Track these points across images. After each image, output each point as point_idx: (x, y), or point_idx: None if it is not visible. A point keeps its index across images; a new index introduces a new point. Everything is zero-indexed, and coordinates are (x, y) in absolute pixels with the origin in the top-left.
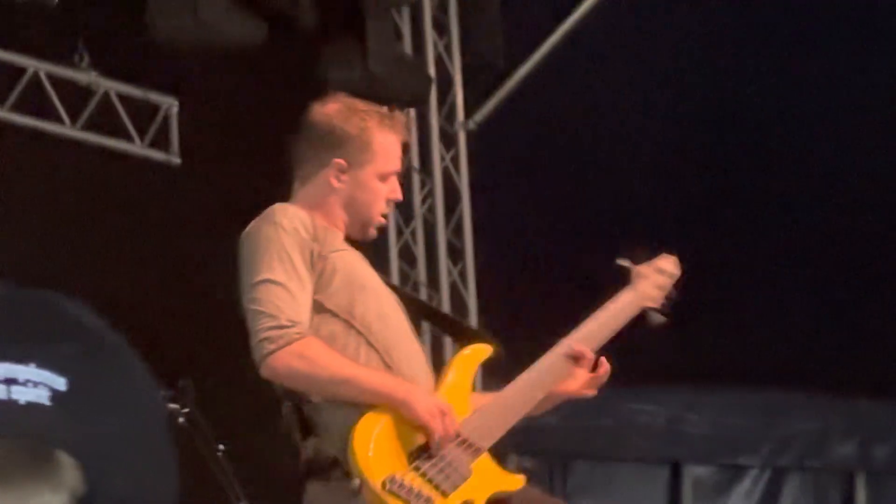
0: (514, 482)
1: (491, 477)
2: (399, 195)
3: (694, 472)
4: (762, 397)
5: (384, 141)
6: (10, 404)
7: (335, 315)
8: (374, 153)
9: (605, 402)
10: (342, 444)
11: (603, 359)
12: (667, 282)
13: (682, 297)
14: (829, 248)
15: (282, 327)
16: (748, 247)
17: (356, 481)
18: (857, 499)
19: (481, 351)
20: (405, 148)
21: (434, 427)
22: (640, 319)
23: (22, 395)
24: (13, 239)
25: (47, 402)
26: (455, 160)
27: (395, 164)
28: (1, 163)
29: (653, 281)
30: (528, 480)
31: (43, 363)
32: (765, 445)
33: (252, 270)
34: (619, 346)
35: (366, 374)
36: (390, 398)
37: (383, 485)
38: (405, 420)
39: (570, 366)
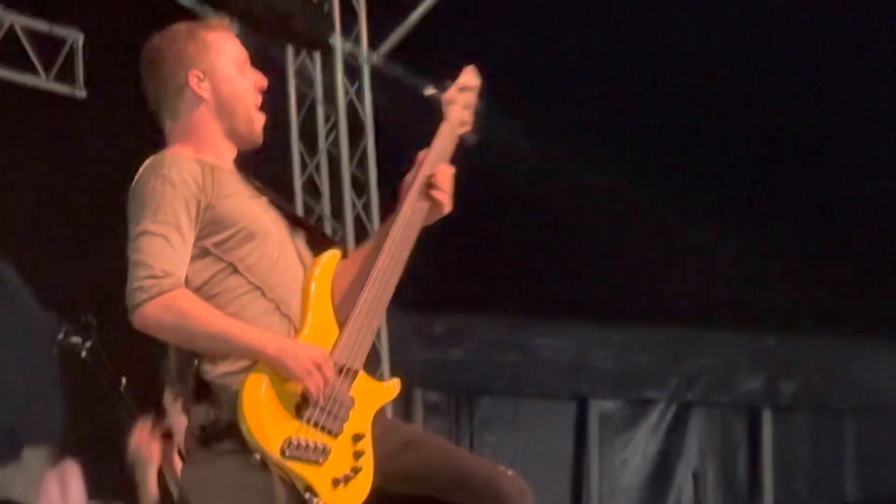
0: (390, 391)
1: (370, 395)
2: (264, 80)
3: (600, 407)
4: (669, 333)
5: (215, 37)
6: None
7: (223, 261)
8: (216, 48)
9: (512, 338)
10: (237, 412)
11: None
12: (471, 97)
13: (593, 239)
14: (736, 188)
15: (154, 277)
16: (656, 190)
17: (256, 456)
18: (762, 434)
19: (331, 260)
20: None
21: (310, 385)
22: (459, 143)
23: None
24: None
25: None
26: (359, 93)
27: (240, 50)
28: None
29: (460, 102)
30: (434, 415)
31: None
32: (671, 381)
33: (136, 221)
34: (528, 282)
35: (237, 330)
36: (263, 355)
37: (282, 452)
38: (284, 374)
39: (427, 203)
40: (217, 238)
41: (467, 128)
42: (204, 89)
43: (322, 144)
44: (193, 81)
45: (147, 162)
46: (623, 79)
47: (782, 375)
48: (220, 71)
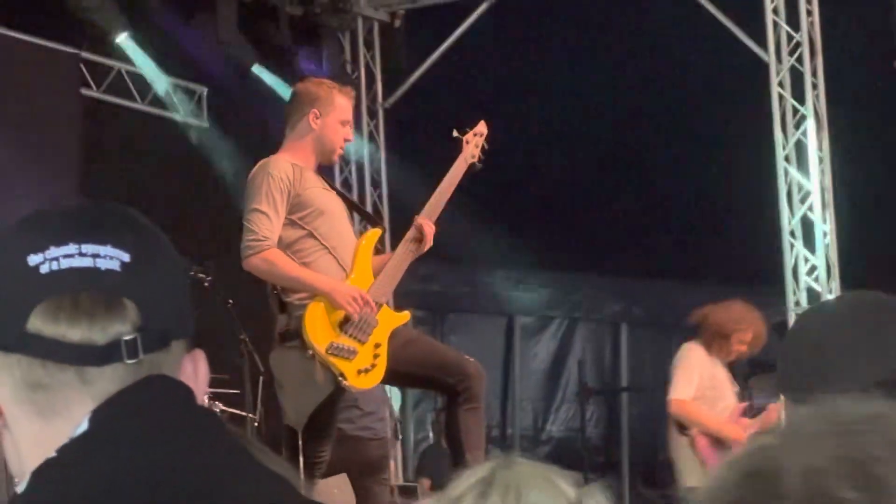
0: (403, 317)
1: (388, 319)
2: (351, 137)
3: (521, 321)
4: (564, 275)
5: (341, 100)
6: (95, 270)
7: (305, 230)
8: (335, 106)
9: (466, 276)
10: (300, 324)
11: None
12: (480, 140)
13: (535, 202)
14: (608, 161)
15: (258, 240)
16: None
17: (309, 351)
18: (621, 339)
19: (374, 234)
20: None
21: (350, 310)
22: (470, 170)
23: (102, 264)
24: None
25: (118, 269)
26: (376, 126)
27: (348, 114)
28: None
29: (473, 143)
30: (420, 324)
31: (115, 244)
32: (565, 305)
33: (251, 201)
34: (480, 239)
35: (307, 275)
36: (322, 291)
37: (326, 350)
38: (333, 304)
39: (419, 242)
40: (300, 214)
41: (475, 160)
42: (316, 123)
43: (353, 157)
44: (312, 116)
45: (261, 162)
46: None
47: (634, 303)
48: (329, 119)
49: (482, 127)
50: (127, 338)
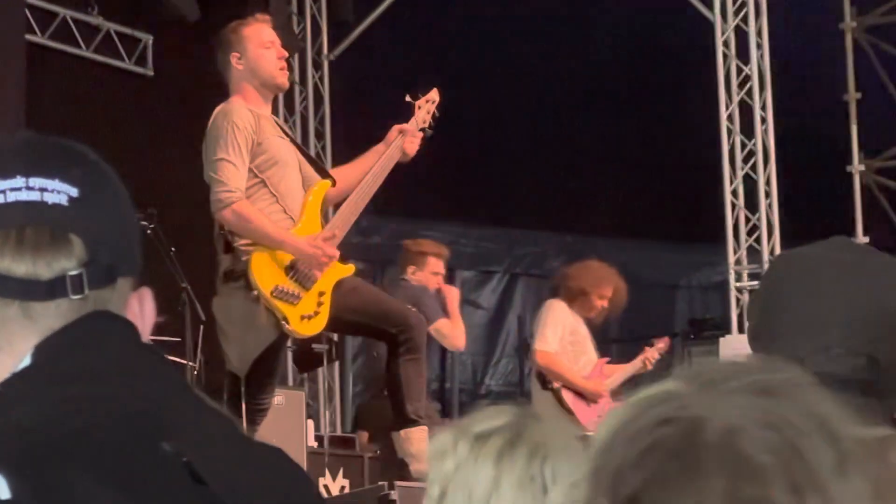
0: (348, 269)
1: (333, 269)
2: (284, 53)
3: (463, 275)
4: (506, 231)
5: (249, 30)
6: (42, 204)
7: (258, 178)
8: (246, 38)
9: (408, 229)
10: (247, 266)
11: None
12: (432, 107)
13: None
14: (553, 117)
15: (230, 192)
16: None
17: (254, 292)
18: None
19: (323, 186)
20: (276, 32)
21: (313, 263)
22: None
23: (49, 198)
24: None
25: (66, 203)
26: (321, 78)
27: (264, 36)
28: None
29: (425, 109)
30: (361, 277)
31: (63, 179)
32: (506, 260)
33: (214, 149)
34: (418, 194)
35: (277, 232)
36: (289, 250)
37: (271, 293)
38: (283, 253)
39: (397, 152)
40: (256, 162)
41: (426, 125)
42: (241, 64)
43: (297, 108)
44: (234, 61)
45: (219, 109)
46: None
47: (574, 259)
48: (250, 52)
49: (434, 94)
50: (72, 273)
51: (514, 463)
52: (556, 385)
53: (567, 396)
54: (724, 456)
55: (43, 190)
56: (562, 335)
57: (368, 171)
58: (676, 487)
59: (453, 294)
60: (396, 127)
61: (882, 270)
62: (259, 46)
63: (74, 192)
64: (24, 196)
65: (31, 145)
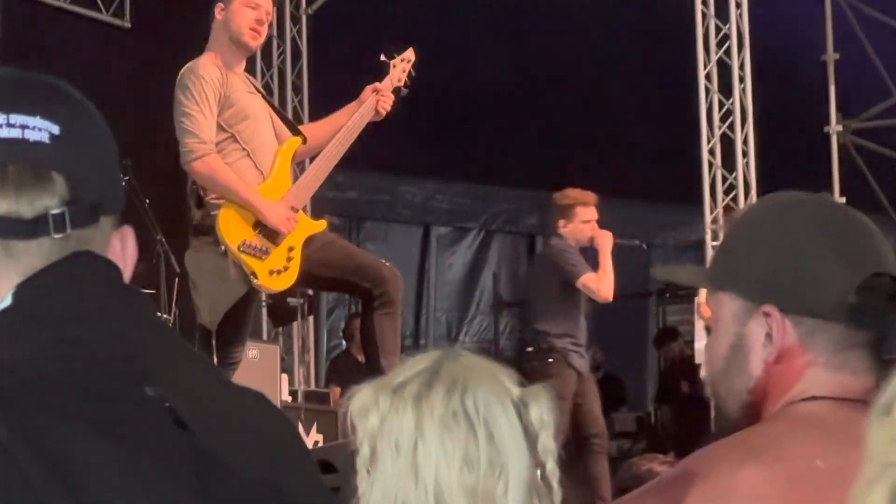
0: (320, 225)
1: (304, 224)
2: (263, 17)
3: (438, 231)
4: (481, 187)
5: None
6: (23, 142)
7: (228, 132)
8: None
9: (384, 185)
10: (215, 220)
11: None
12: (408, 66)
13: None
14: (531, 74)
15: (201, 143)
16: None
17: (222, 246)
18: (536, 252)
19: (294, 143)
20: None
21: (283, 229)
22: (395, 94)
23: (31, 135)
24: None
25: (48, 141)
26: (299, 32)
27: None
28: None
29: (400, 68)
30: (336, 231)
31: (45, 116)
32: (482, 216)
33: (184, 103)
34: (395, 149)
35: (244, 189)
36: (255, 208)
37: (238, 247)
38: (265, 222)
39: (370, 111)
40: (225, 116)
41: (400, 83)
42: (221, 15)
43: (275, 62)
44: (217, 11)
45: (187, 65)
46: None
47: (550, 216)
48: (234, 5)
49: (410, 54)
50: (55, 212)
51: (433, 403)
52: None
53: None
54: None
55: (24, 127)
56: None
57: (340, 129)
58: None
59: (605, 241)
60: (370, 87)
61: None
62: (243, 4)
63: (56, 129)
64: (5, 133)
65: (12, 82)
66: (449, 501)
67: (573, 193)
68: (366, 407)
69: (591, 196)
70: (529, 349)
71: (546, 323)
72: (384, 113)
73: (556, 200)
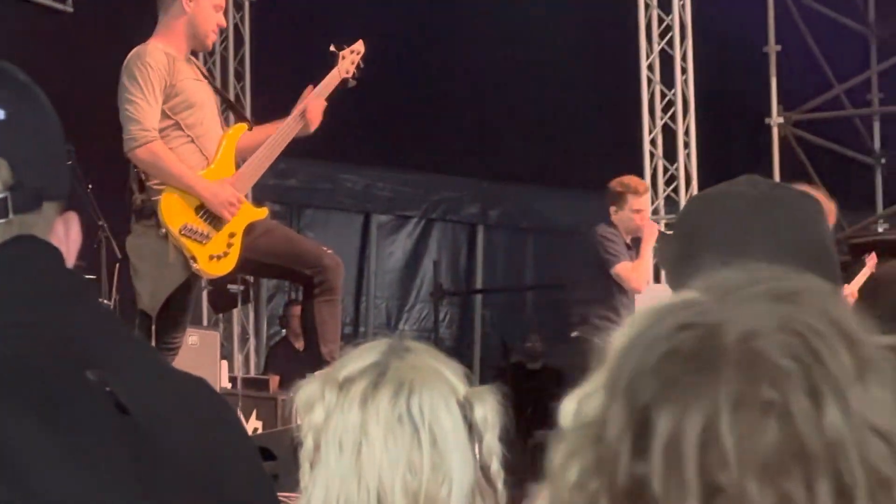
0: (261, 213)
1: (246, 211)
2: (224, 23)
3: (378, 219)
4: (423, 175)
5: None
6: None
7: (172, 120)
8: None
9: (325, 172)
10: (157, 204)
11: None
12: (357, 58)
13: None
14: (472, 63)
15: (145, 130)
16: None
17: (163, 230)
18: (477, 241)
19: (239, 129)
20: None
21: (226, 215)
22: (342, 85)
23: None
24: None
25: None
26: (242, 19)
27: (223, 2)
28: None
29: (349, 59)
30: (277, 219)
31: None
32: (423, 205)
33: (129, 90)
34: (336, 137)
35: (188, 175)
36: (199, 194)
37: (179, 231)
38: (210, 208)
39: (301, 122)
40: (170, 104)
41: (349, 75)
42: (189, 7)
43: (218, 49)
44: (186, 1)
45: (134, 50)
46: None
47: (490, 206)
48: (204, 2)
49: (360, 45)
50: None
51: (379, 406)
52: None
53: None
54: (742, 359)
55: None
56: None
57: (266, 141)
58: (692, 392)
59: (650, 232)
60: (308, 90)
61: (797, 201)
62: (213, 6)
63: (1, 113)
64: None
65: None
66: (391, 503)
67: (626, 180)
68: (311, 401)
69: (642, 185)
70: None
71: (587, 306)
72: (315, 122)
73: (610, 187)
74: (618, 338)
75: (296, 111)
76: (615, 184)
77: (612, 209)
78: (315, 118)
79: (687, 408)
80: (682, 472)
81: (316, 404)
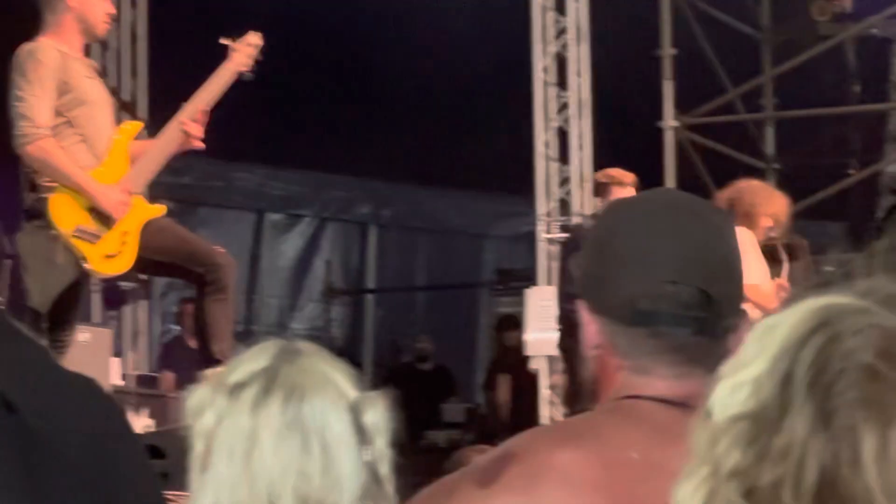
0: (158, 210)
1: (141, 208)
2: (114, 10)
3: (271, 218)
4: (315, 174)
5: None
6: None
7: (64, 117)
8: None
9: (219, 170)
10: (47, 205)
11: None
12: (253, 51)
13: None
14: (368, 61)
15: (35, 127)
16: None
17: (53, 231)
18: (369, 241)
19: (132, 127)
20: None
21: (116, 216)
22: (238, 80)
23: None
24: None
25: None
26: (138, 15)
27: None
28: None
29: (244, 52)
30: (169, 216)
31: None
32: (315, 204)
33: (19, 86)
34: (229, 135)
35: (78, 175)
36: (89, 194)
37: (72, 232)
38: (99, 208)
39: (183, 135)
40: (62, 101)
41: (245, 68)
42: (74, 2)
43: (113, 44)
44: (66, 4)
45: (26, 47)
46: None
47: (382, 206)
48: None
49: (256, 38)
50: None
51: (270, 412)
52: None
53: None
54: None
55: None
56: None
57: (153, 144)
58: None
59: None
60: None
61: (707, 214)
62: None
63: None
64: None
65: None
66: None
67: (612, 172)
68: (202, 405)
69: (628, 177)
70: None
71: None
72: (194, 143)
73: (595, 178)
74: (776, 330)
75: (175, 124)
76: (599, 175)
77: (598, 201)
78: (195, 141)
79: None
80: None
81: (206, 409)
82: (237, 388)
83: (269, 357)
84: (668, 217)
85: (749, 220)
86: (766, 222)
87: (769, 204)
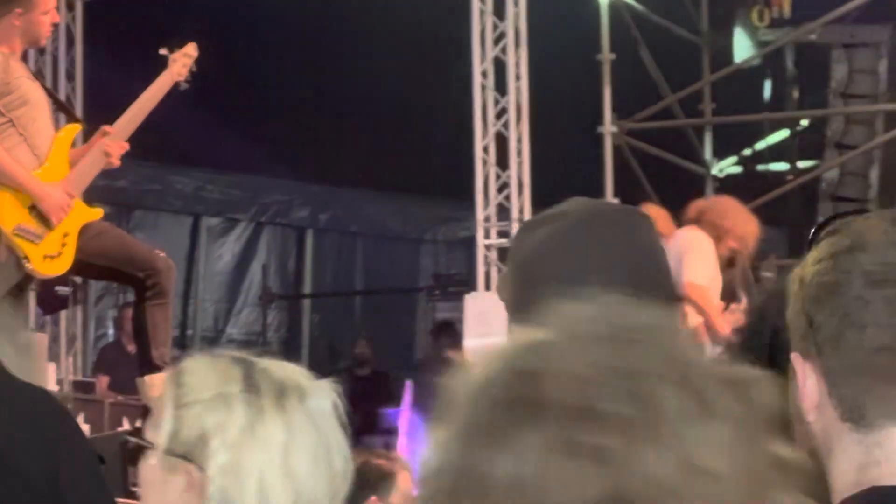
0: (97, 213)
1: (80, 211)
2: (58, 18)
3: (208, 223)
4: (253, 178)
5: None
6: None
7: (6, 117)
8: (36, 2)
9: (156, 174)
10: None
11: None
12: (189, 61)
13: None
14: (308, 65)
15: None
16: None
17: None
18: (306, 245)
19: (72, 129)
20: None
21: (55, 219)
22: (175, 89)
23: None
24: None
25: None
26: (73, 19)
27: (52, 3)
28: None
29: (181, 62)
30: (105, 220)
31: None
32: (252, 208)
33: None
34: (165, 140)
35: (20, 174)
36: (32, 193)
37: (13, 230)
38: (41, 209)
39: (105, 157)
40: (4, 101)
41: (181, 78)
42: (20, 21)
43: (49, 48)
44: (14, 16)
45: None
46: None
47: (320, 210)
48: (34, 15)
49: (192, 49)
50: None
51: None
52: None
53: None
54: (567, 407)
55: None
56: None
57: (84, 158)
58: (500, 441)
59: None
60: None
61: (628, 220)
62: (43, 13)
63: None
64: None
65: None
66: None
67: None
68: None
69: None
70: None
71: None
72: (114, 163)
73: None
74: (463, 382)
75: (93, 152)
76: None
77: None
78: (114, 159)
79: (517, 457)
80: None
81: (227, 422)
82: (251, 394)
83: (235, 371)
84: (592, 226)
85: (716, 236)
86: (732, 243)
87: (741, 225)
